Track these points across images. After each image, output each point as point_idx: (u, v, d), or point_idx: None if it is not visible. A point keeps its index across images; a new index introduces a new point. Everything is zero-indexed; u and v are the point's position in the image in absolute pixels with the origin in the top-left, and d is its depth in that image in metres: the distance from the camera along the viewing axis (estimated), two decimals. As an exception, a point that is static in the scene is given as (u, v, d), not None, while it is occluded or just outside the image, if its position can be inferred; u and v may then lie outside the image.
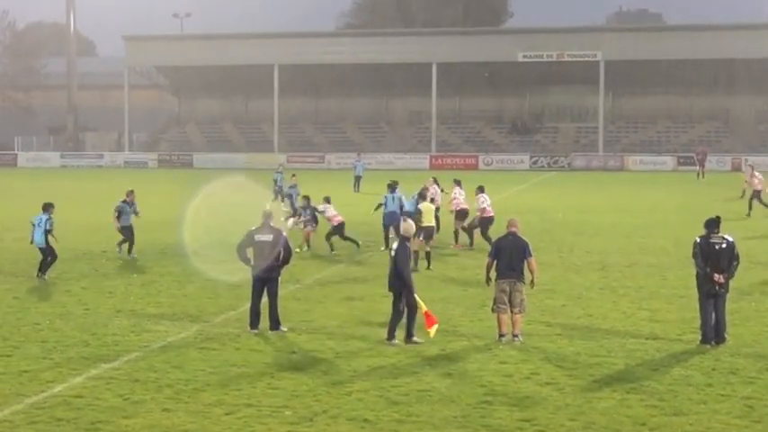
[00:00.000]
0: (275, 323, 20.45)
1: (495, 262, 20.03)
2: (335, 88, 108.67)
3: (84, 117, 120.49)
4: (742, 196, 50.25)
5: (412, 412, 15.02)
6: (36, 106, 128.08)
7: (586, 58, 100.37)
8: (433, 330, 19.18)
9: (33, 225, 27.87)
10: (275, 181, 54.40)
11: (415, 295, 19.49)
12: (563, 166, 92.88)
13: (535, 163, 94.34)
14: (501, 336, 19.64)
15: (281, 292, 21.25)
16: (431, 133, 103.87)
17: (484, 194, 34.03)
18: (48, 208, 27.81)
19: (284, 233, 21.75)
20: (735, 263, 19.33)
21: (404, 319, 19.60)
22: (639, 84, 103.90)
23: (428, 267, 28.59)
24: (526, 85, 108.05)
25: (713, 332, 19.21)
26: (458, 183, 36.51)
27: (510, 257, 19.76)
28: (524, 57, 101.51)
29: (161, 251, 33.85)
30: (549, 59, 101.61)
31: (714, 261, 19.13)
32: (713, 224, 19.67)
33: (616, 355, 18.45)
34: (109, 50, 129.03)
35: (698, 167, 78.87)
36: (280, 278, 20.94)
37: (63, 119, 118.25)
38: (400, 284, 19.46)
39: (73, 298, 24.86)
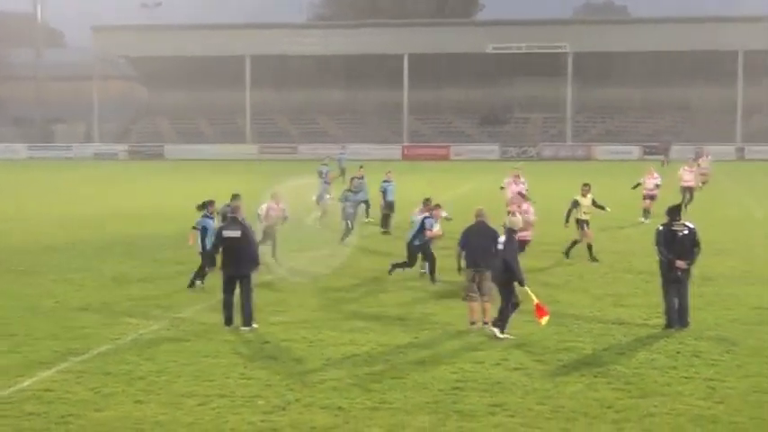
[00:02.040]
0: (248, 320, 19.97)
1: (463, 251, 20.16)
2: (307, 79, 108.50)
3: (53, 108, 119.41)
4: (702, 185, 50.14)
5: (385, 399, 15.09)
6: (3, 98, 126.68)
7: (555, 50, 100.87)
8: (544, 321, 18.84)
9: None
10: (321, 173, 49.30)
11: (526, 288, 19.10)
12: (532, 156, 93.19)
13: (505, 153, 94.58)
14: (472, 323, 19.77)
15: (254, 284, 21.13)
16: (403, 124, 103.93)
17: None
18: None
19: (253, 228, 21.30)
20: (696, 249, 19.54)
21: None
22: (606, 75, 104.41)
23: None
24: (496, 76, 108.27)
25: (677, 317, 19.44)
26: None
27: (478, 246, 19.87)
28: (494, 48, 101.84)
29: (130, 242, 33.75)
30: (519, 51, 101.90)
31: (676, 248, 19.35)
32: (675, 212, 19.90)
33: (583, 341, 18.60)
34: (78, 41, 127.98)
35: (662, 156, 79.44)
36: (253, 274, 20.51)
37: (31, 110, 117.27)
38: (509, 277, 19.01)
39: (42, 291, 24.65)
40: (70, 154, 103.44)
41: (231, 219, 20.39)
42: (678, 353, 17.70)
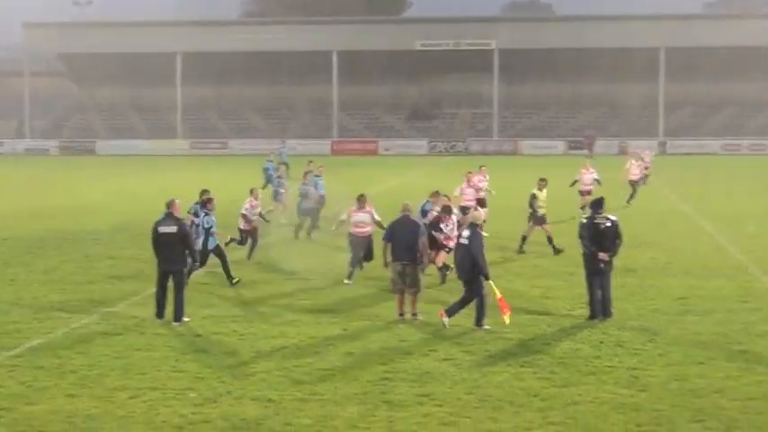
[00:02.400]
0: (179, 314, 19.76)
1: (389, 244, 20.18)
2: (238, 76, 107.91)
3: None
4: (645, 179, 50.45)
5: (315, 391, 15.07)
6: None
7: (481, 47, 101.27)
8: (507, 317, 18.91)
9: None
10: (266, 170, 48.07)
11: (491, 282, 19.20)
12: (460, 151, 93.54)
13: (433, 148, 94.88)
14: (400, 315, 19.81)
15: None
16: (332, 119, 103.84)
17: None
18: None
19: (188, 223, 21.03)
20: (618, 241, 19.76)
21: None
22: (532, 71, 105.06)
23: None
24: (424, 72, 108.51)
25: (600, 307, 19.64)
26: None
27: (403, 239, 19.91)
28: (422, 45, 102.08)
29: (62, 237, 33.38)
30: (446, 48, 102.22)
31: (599, 240, 19.56)
32: (598, 205, 20.15)
33: (510, 331, 18.69)
34: (8, 37, 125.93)
35: (586, 151, 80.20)
36: (186, 269, 20.39)
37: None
38: (475, 271, 19.06)
39: (-26, 285, 24.28)
40: (1, 150, 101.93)
41: (167, 215, 20.04)
42: (602, 343, 17.88)
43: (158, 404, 14.46)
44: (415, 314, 19.62)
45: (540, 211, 29.49)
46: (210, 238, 23.59)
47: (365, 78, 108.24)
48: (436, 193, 25.41)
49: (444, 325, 18.91)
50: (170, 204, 20.21)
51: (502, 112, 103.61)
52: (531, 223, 29.64)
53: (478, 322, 19.02)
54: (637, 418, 13.73)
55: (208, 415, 13.97)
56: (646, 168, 49.61)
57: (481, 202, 32.87)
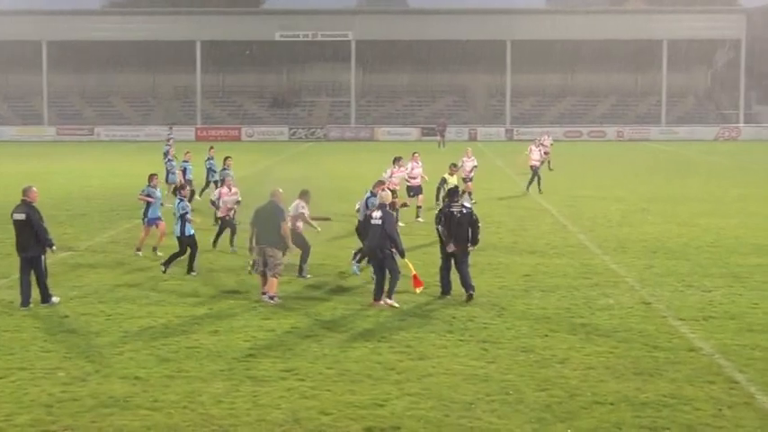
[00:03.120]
0: (45, 297, 19.36)
1: (254, 228, 20.09)
2: (104, 64, 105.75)
3: None
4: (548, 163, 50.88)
5: (181, 368, 14.95)
6: None
7: (339, 38, 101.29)
8: (419, 290, 19.58)
9: None
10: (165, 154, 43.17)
11: (406, 259, 19.41)
12: (319, 137, 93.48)
13: (294, 134, 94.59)
14: (263, 294, 19.75)
15: (49, 260, 20.54)
16: (196, 107, 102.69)
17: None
18: None
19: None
20: (476, 229, 19.96)
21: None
22: (387, 61, 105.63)
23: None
24: (285, 62, 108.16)
25: (450, 286, 19.90)
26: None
27: (266, 224, 19.83)
28: (282, 36, 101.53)
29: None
30: (305, 39, 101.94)
31: (454, 227, 19.75)
32: (454, 194, 20.39)
33: (368, 311, 18.81)
34: None
35: (438, 137, 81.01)
36: (44, 256, 19.60)
37: None
38: (387, 250, 19.14)
39: None
40: None
41: (21, 201, 19.50)
42: (454, 318, 18.12)
43: (27, 384, 14.16)
44: (272, 297, 19.51)
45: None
46: (186, 225, 22.95)
47: (228, 67, 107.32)
48: (380, 184, 23.04)
49: (394, 305, 18.96)
50: (25, 191, 19.68)
51: (359, 100, 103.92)
52: (438, 202, 29.82)
53: (390, 294, 19.17)
54: (487, 388, 13.96)
55: (76, 393, 13.73)
56: (545, 153, 49.29)
57: (416, 189, 32.60)
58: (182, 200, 23.31)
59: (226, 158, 32.77)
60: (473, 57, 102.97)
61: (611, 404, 13.26)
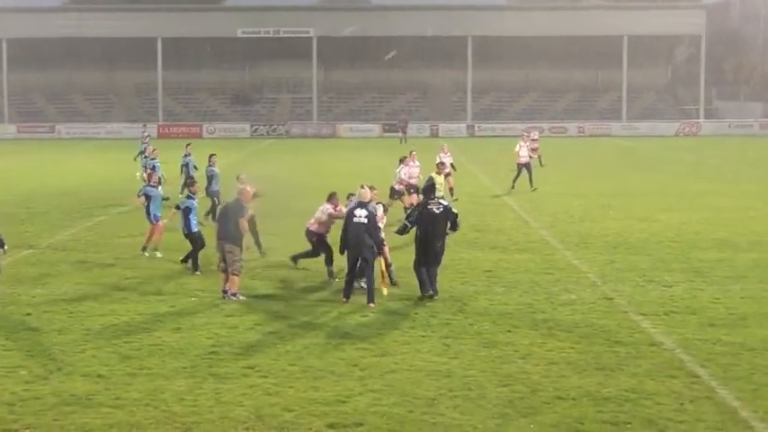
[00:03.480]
0: None
1: (217, 225, 20.04)
2: (64, 61, 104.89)
3: None
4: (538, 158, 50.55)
5: (144, 366, 14.89)
6: None
7: (300, 35, 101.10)
8: (386, 290, 19.37)
9: None
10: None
11: (381, 259, 19.34)
12: (281, 134, 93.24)
13: (255, 131, 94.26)
14: (224, 291, 19.67)
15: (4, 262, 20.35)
16: (157, 104, 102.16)
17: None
18: None
19: None
20: (455, 219, 19.76)
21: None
22: (349, 58, 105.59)
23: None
24: (246, 58, 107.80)
25: (429, 282, 19.45)
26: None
27: (226, 220, 19.76)
28: (243, 33, 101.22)
29: None
30: (267, 35, 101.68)
31: (432, 224, 19.43)
32: (429, 191, 20.12)
33: (331, 307, 18.81)
34: None
35: (400, 133, 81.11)
36: None
37: None
38: (371, 247, 18.93)
39: None
40: None
41: None
42: (416, 314, 18.15)
43: (-12, 383, 14.07)
44: (234, 294, 19.41)
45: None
46: (193, 222, 22.77)
47: (189, 64, 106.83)
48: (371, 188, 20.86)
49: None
50: None
51: (321, 96, 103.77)
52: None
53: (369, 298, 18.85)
54: (449, 384, 14.00)
55: (39, 392, 13.65)
56: (533, 150, 48.25)
57: (414, 188, 31.94)
58: (190, 197, 23.30)
59: (211, 156, 32.27)
60: (434, 53, 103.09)
61: (573, 399, 13.34)
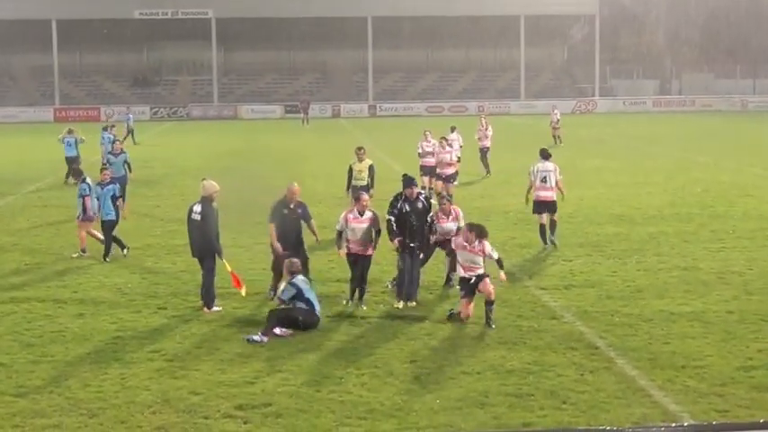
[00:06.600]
0: None
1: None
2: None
3: None
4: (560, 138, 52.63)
5: (46, 353, 14.69)
6: None
7: (199, 16, 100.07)
8: (243, 290, 17.36)
9: None
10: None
11: (223, 259, 17.24)
12: (182, 117, 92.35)
13: (156, 114, 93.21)
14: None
15: None
16: (54, 87, 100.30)
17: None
18: None
19: None
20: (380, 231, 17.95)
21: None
22: (249, 39, 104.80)
23: None
24: (144, 40, 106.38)
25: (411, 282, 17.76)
26: None
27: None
28: (140, 14, 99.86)
29: None
30: (165, 17, 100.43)
31: (415, 219, 18.02)
32: (409, 183, 18.56)
33: (238, 292, 18.72)
34: None
35: (302, 115, 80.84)
36: None
37: None
38: (210, 248, 17.08)
39: None
40: None
41: None
42: (325, 295, 18.10)
43: None
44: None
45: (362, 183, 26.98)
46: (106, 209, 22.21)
47: (86, 46, 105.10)
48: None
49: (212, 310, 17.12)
50: None
51: (221, 78, 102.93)
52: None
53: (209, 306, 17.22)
54: (356, 363, 14.09)
55: (-62, 382, 13.39)
56: (555, 129, 52.10)
57: (429, 170, 31.92)
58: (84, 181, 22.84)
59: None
60: (335, 33, 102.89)
61: (478, 373, 13.52)
